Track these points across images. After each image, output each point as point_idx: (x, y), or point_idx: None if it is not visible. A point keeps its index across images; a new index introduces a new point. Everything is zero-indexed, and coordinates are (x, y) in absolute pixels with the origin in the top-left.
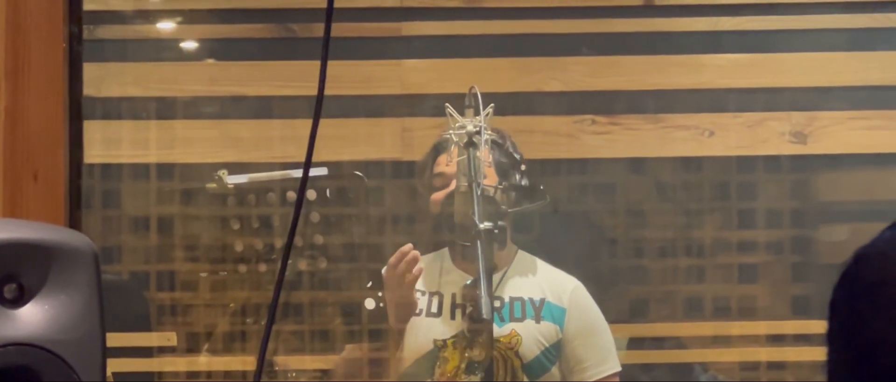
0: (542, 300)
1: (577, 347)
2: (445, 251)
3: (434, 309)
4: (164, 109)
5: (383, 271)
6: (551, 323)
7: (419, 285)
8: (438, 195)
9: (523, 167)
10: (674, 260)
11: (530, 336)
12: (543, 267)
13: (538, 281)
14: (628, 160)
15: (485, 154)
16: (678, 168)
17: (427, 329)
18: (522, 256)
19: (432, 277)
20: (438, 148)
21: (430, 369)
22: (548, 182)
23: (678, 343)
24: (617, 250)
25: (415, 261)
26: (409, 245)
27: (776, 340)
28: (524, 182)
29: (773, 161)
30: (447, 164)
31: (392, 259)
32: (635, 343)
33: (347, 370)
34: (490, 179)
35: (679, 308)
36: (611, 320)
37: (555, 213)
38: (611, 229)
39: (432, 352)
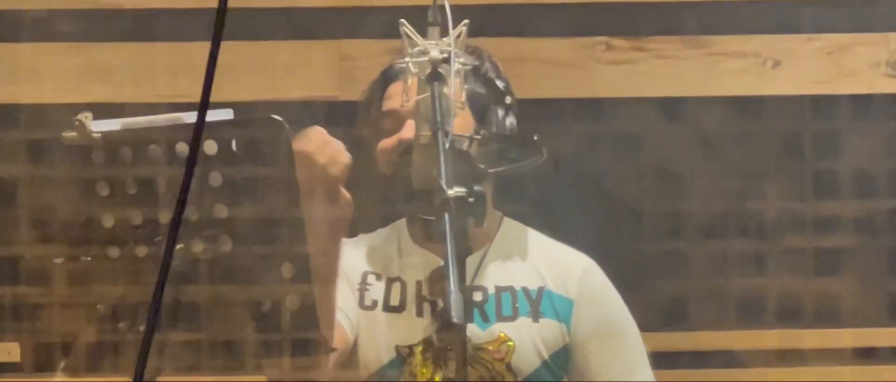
0: (541, 290)
1: (592, 353)
2: (402, 223)
3: (394, 301)
4: (4, 27)
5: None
6: (554, 321)
7: (367, 265)
8: (389, 143)
9: (509, 102)
10: (723, 243)
11: (526, 340)
12: (540, 241)
13: (534, 262)
14: (659, 101)
15: (456, 90)
16: (730, 112)
17: (386, 330)
18: (510, 226)
19: (388, 258)
20: (388, 76)
21: None
22: (545, 131)
23: (730, 359)
24: (643, 228)
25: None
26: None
27: (866, 355)
28: (512, 128)
29: (863, 103)
30: (402, 103)
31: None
32: (670, 359)
33: None
34: (463, 125)
35: (730, 311)
36: None
37: (555, 174)
38: (634, 198)
39: (394, 363)
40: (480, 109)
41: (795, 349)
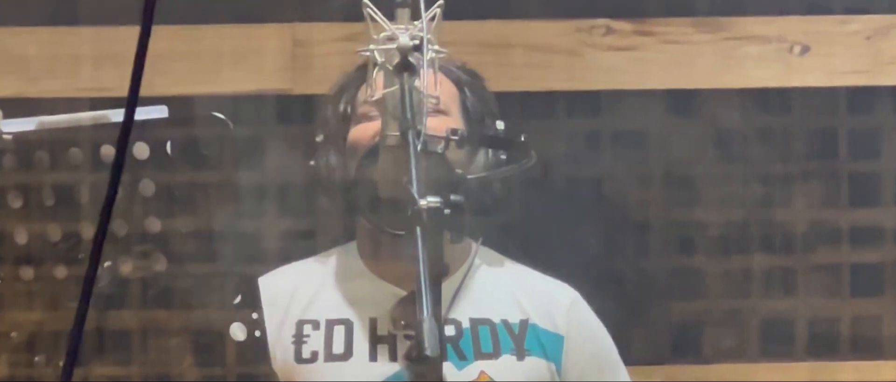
0: (525, 323)
1: None
2: (352, 246)
3: (339, 348)
4: None
5: None
6: (542, 360)
7: (300, 311)
8: (363, 132)
9: (490, 101)
10: (745, 259)
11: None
12: (518, 271)
13: (514, 293)
14: (668, 94)
15: (430, 84)
16: (750, 107)
17: None
18: (484, 253)
19: (333, 292)
20: (359, 76)
21: None
22: (534, 130)
23: None
24: (650, 241)
25: None
26: None
27: None
28: (496, 129)
29: None
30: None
31: None
32: None
33: None
34: (438, 124)
35: (752, 340)
36: (640, 358)
37: (546, 180)
38: (640, 206)
39: None
40: (459, 108)
41: None
